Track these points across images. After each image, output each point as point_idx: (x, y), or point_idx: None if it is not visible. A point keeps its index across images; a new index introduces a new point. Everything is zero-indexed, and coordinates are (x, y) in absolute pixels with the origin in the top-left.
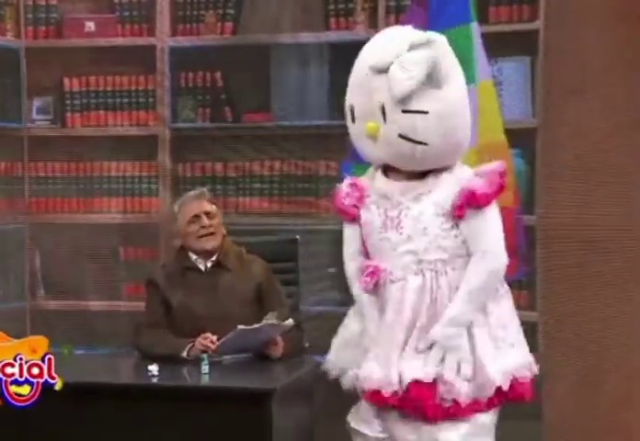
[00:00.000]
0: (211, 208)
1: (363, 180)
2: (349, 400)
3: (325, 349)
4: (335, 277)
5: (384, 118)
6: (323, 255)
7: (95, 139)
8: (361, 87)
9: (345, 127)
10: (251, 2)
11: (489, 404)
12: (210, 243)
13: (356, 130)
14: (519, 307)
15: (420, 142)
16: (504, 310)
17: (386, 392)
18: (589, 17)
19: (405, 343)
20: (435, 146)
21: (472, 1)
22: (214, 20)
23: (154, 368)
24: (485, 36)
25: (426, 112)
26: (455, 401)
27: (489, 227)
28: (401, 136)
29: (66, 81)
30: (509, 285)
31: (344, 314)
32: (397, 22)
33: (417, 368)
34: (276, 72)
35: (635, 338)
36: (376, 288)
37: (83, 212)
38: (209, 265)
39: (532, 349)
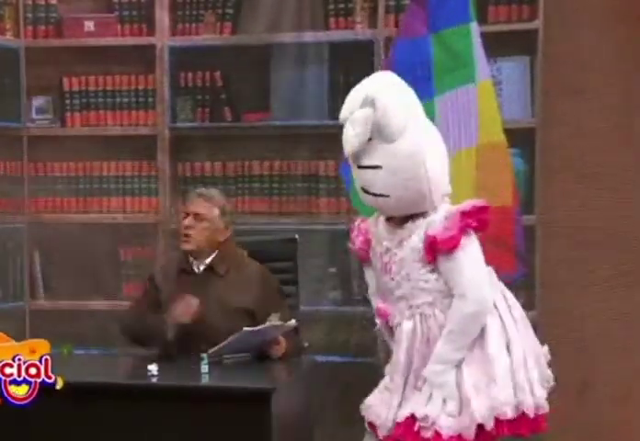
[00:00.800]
0: (208, 209)
1: (367, 223)
2: (348, 399)
3: (323, 349)
4: (334, 277)
5: None
6: (322, 255)
7: (94, 138)
8: None
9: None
10: (250, 2)
11: None
12: (184, 245)
13: None
14: None
15: (379, 195)
16: (490, 344)
17: (380, 432)
18: (589, 17)
19: (405, 386)
20: (396, 197)
21: (471, 0)
22: (213, 20)
23: (153, 368)
24: (484, 35)
25: (379, 167)
26: (437, 433)
27: (464, 270)
28: (362, 189)
29: (66, 80)
30: (509, 285)
31: (343, 314)
32: (397, 22)
33: (405, 409)
34: (275, 71)
35: (635, 338)
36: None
37: (82, 212)
38: (201, 267)
39: None
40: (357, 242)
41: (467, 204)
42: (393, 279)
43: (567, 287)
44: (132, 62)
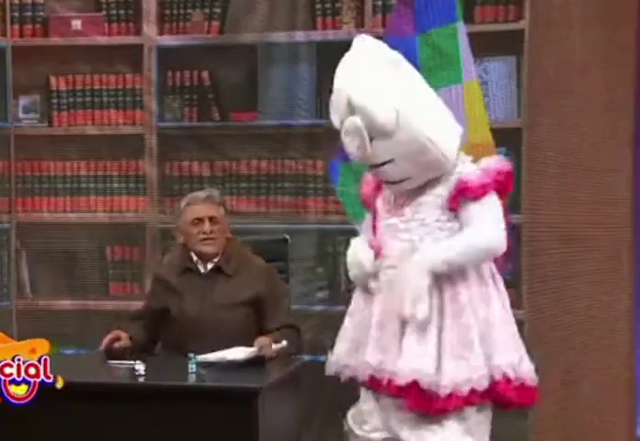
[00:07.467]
0: (218, 212)
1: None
2: (335, 399)
3: (311, 348)
4: (323, 277)
5: None
6: (310, 255)
7: (81, 138)
8: None
9: (332, 126)
10: (238, 1)
11: None
12: (208, 248)
13: None
14: None
15: (402, 180)
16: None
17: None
18: (574, 17)
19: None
20: (418, 175)
21: (458, 0)
22: (201, 19)
23: (140, 368)
24: (470, 35)
25: (391, 161)
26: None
27: (487, 215)
28: (387, 182)
29: (53, 80)
30: None
31: (331, 314)
32: (384, 22)
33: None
34: (263, 71)
35: (620, 334)
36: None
37: (69, 211)
38: (209, 267)
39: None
40: (367, 186)
41: (504, 165)
42: (403, 222)
43: (553, 284)
44: (120, 62)
